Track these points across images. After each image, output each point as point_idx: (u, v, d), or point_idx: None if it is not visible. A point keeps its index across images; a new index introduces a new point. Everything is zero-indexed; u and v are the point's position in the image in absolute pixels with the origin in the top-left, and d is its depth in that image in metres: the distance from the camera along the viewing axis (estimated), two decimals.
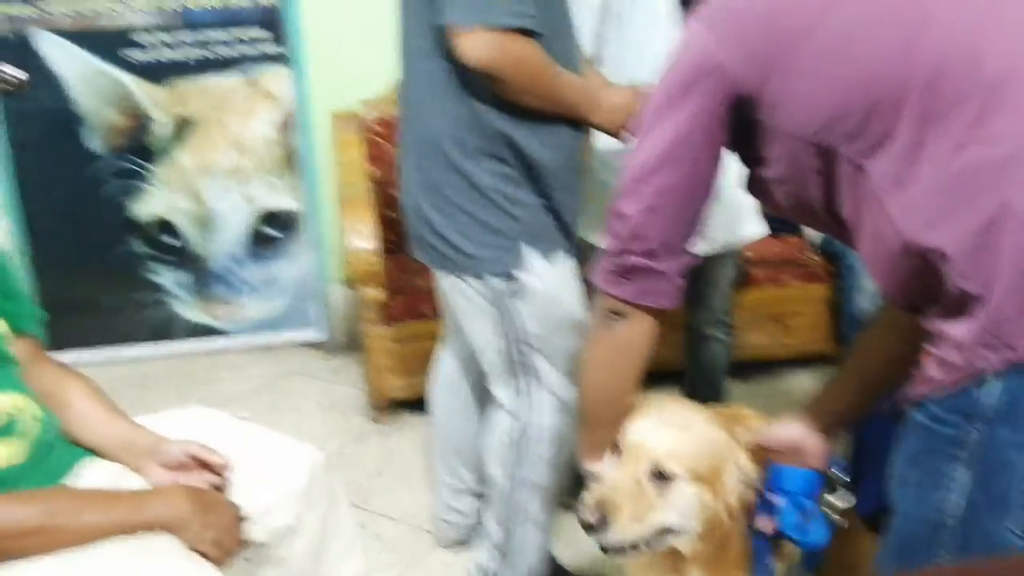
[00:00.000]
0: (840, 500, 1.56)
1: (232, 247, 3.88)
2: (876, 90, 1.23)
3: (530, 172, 2.06)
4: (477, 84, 1.97)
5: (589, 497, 1.49)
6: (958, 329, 1.17)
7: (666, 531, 1.52)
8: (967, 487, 1.19)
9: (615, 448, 1.57)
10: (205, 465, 1.70)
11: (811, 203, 1.39)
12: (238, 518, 1.65)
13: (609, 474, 1.53)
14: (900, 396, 1.30)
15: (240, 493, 1.71)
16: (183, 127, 3.72)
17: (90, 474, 1.70)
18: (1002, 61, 1.17)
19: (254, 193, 3.83)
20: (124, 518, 1.51)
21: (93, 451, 1.73)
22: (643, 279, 1.48)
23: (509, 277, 2.10)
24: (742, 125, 1.39)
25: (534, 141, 2.03)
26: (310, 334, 4.01)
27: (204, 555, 1.56)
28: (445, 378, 2.56)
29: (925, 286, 1.22)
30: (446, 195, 2.08)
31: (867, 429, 2.34)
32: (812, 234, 3.58)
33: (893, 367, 1.52)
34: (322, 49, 3.70)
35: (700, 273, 2.47)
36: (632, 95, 2.10)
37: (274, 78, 3.70)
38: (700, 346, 2.90)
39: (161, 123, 3.70)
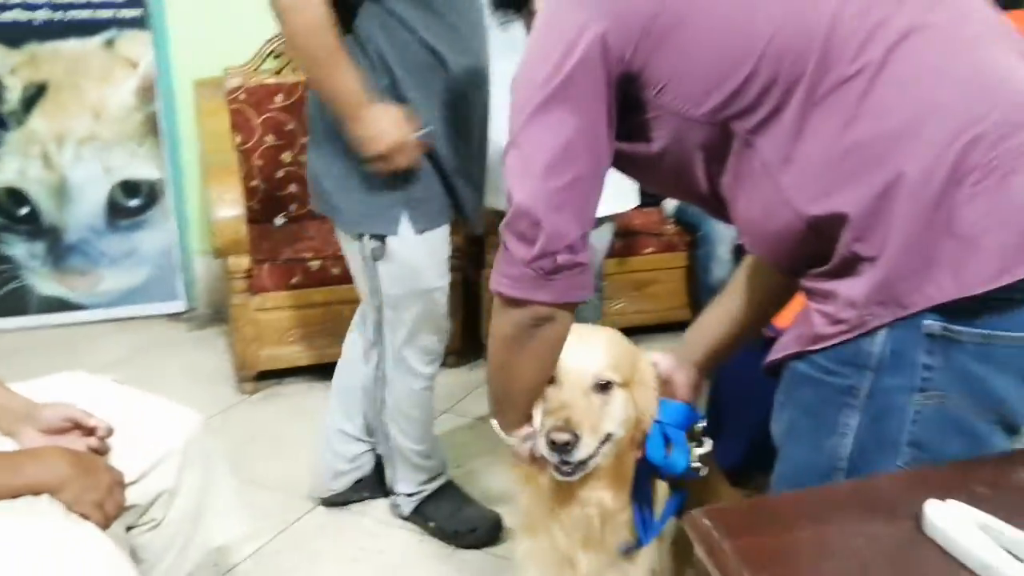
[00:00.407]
0: (701, 448, 1.61)
1: (89, 217, 3.79)
2: (779, 63, 1.22)
3: None
4: None
5: (556, 420, 1.50)
6: (850, 288, 1.23)
7: (607, 439, 1.55)
8: (857, 432, 1.26)
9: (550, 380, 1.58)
10: (83, 429, 1.69)
11: (690, 177, 1.38)
12: (118, 482, 1.64)
13: (556, 398, 1.55)
14: (777, 351, 1.34)
15: (119, 457, 1.70)
16: (36, 92, 3.60)
17: None
18: (888, 35, 1.19)
19: (113, 162, 3.74)
20: (1, 481, 1.49)
21: None
22: (568, 275, 1.43)
23: (380, 239, 2.17)
24: (622, 101, 1.35)
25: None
26: (174, 306, 3.96)
27: (85, 518, 1.55)
28: (352, 327, 2.61)
29: (812, 251, 1.27)
30: (333, 146, 2.14)
31: (723, 385, 2.46)
32: (668, 205, 3.72)
33: (763, 308, 1.62)
34: (184, 14, 3.63)
35: None
36: (403, 130, 2.07)
37: (133, 43, 3.62)
38: None
39: (12, 88, 3.58)
